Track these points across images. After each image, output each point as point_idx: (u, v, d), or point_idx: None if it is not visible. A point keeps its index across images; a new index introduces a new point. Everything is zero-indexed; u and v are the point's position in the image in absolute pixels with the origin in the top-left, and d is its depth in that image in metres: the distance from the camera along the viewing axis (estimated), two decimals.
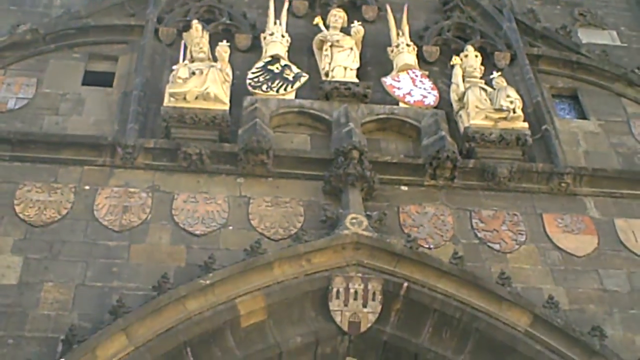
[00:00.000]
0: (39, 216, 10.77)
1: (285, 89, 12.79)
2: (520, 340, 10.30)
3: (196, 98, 11.92)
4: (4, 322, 9.68)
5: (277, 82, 12.83)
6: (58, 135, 11.70)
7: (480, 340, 10.39)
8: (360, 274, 10.56)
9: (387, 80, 13.36)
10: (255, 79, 12.83)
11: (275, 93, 12.69)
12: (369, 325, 10.38)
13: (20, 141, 11.44)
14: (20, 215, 10.76)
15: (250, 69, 13.01)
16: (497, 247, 11.31)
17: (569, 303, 10.80)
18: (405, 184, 11.84)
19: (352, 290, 10.43)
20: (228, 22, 14.11)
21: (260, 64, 13.09)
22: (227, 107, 12.05)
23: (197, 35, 12.85)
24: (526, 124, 12.57)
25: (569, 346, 10.23)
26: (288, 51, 13.44)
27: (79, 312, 9.87)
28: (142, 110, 12.17)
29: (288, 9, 14.20)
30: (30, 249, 10.45)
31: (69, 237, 10.63)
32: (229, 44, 12.92)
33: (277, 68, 13.04)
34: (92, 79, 12.84)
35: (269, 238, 10.87)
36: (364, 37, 13.77)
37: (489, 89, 12.94)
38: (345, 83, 12.82)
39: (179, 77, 12.14)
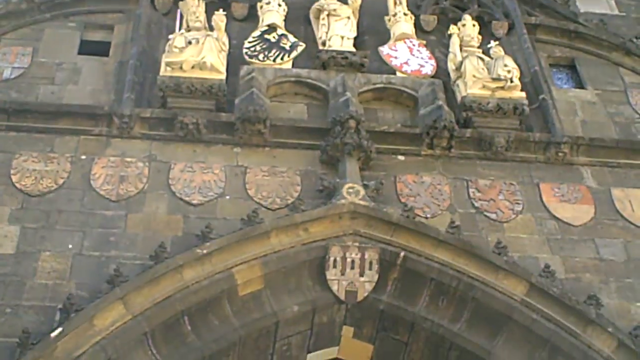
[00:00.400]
0: (35, 186, 10.77)
1: (282, 59, 12.75)
2: (516, 309, 10.33)
3: (192, 67, 11.87)
4: (2, 291, 9.71)
5: (273, 51, 12.79)
6: (54, 105, 11.68)
7: (477, 309, 10.44)
8: (357, 243, 10.59)
9: (384, 50, 13.29)
10: (252, 48, 12.78)
11: (272, 62, 12.65)
12: (366, 294, 10.42)
13: (16, 111, 11.43)
14: (17, 184, 10.76)
15: (246, 38, 12.96)
16: (493, 216, 11.32)
17: (565, 272, 10.83)
18: (402, 154, 11.84)
19: (349, 260, 10.46)
20: None
21: (256, 33, 13.03)
22: (223, 77, 12.01)
23: (193, 4, 12.78)
24: (523, 94, 12.55)
25: (565, 315, 10.27)
26: (285, 20, 13.38)
27: (77, 281, 9.89)
28: (139, 79, 12.14)
29: None
30: (27, 218, 10.47)
31: (65, 207, 10.64)
32: (225, 13, 12.83)
33: (274, 37, 12.99)
34: (88, 48, 12.79)
35: (265, 207, 10.88)
36: (361, 6, 13.64)
37: (487, 59, 12.90)
38: (342, 52, 12.78)
39: (175, 47, 12.10)
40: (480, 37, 13.40)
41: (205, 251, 10.10)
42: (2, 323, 9.42)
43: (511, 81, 12.48)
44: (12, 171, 10.88)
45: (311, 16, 13.77)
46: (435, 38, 13.83)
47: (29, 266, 10.01)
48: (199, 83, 11.79)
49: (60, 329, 9.24)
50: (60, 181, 10.87)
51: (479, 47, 13.20)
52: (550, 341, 10.17)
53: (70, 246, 10.22)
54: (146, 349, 9.59)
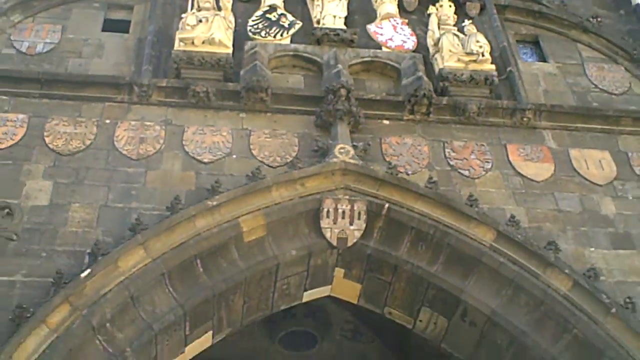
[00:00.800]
0: (66, 146, 10.75)
1: (281, 35, 12.66)
2: (485, 254, 10.40)
3: (203, 43, 11.82)
4: (37, 237, 9.73)
5: (274, 28, 12.71)
6: (81, 76, 11.63)
7: (451, 253, 10.49)
8: (347, 196, 10.61)
9: (371, 27, 13.22)
10: (255, 26, 12.69)
11: (272, 38, 12.56)
12: (355, 240, 10.46)
13: (48, 81, 11.37)
14: (50, 145, 10.73)
15: (250, 17, 12.84)
16: (466, 173, 11.33)
17: (528, 222, 10.87)
18: (386, 119, 11.81)
19: (340, 210, 10.49)
20: None
21: (259, 12, 12.91)
22: (230, 51, 11.95)
23: None
24: (493, 66, 12.54)
25: (528, 258, 10.34)
26: (284, 1, 13.25)
27: (103, 229, 9.92)
28: (155, 53, 12.07)
29: None
30: (59, 174, 10.45)
31: (92, 165, 10.63)
32: None
33: (274, 16, 12.89)
34: (111, 26, 12.67)
35: (267, 165, 10.87)
36: None
37: (461, 35, 12.83)
38: (334, 30, 12.68)
39: (188, 24, 12.05)
40: (455, 16, 13.31)
41: (214, 203, 10.13)
42: (39, 265, 9.46)
43: (482, 55, 12.48)
44: (45, 134, 10.84)
45: None
46: (416, 17, 13.71)
47: (61, 216, 10.02)
48: (208, 56, 11.73)
49: (88, 271, 9.28)
50: (88, 142, 10.85)
51: (454, 26, 13.12)
52: (514, 281, 10.23)
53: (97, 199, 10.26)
54: (164, 287, 9.64)
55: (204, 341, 10.36)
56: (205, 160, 10.86)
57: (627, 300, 10.06)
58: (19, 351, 8.56)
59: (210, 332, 10.33)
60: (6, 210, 9.89)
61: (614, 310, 9.91)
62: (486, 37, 12.94)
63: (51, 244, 9.70)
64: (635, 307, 10.02)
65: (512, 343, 10.17)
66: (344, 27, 12.90)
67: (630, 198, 11.46)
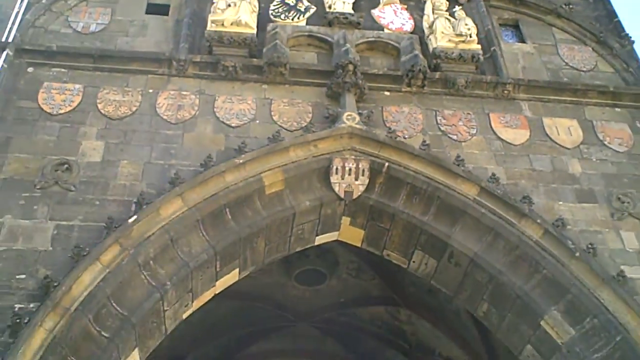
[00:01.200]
0: (115, 112, 10.78)
1: (298, 18, 12.57)
2: (469, 206, 10.42)
3: (231, 24, 11.78)
4: (92, 188, 9.82)
5: (292, 12, 12.62)
6: (128, 52, 11.60)
7: (441, 205, 10.51)
8: (353, 156, 10.63)
9: (375, 12, 13.10)
10: (276, 10, 12.60)
11: (290, 21, 12.47)
12: (359, 193, 10.50)
13: (100, 56, 11.37)
14: (102, 111, 10.77)
15: (272, 2, 12.74)
16: (454, 137, 11.30)
17: (506, 179, 10.86)
18: (387, 90, 11.74)
19: (347, 168, 10.51)
20: None
21: None
22: (254, 31, 11.88)
23: None
24: (479, 46, 12.41)
25: (506, 210, 10.36)
26: None
27: (147, 182, 9.98)
28: (191, 33, 12.00)
29: None
30: (109, 136, 10.50)
31: (137, 128, 10.66)
32: None
33: (292, 2, 12.80)
34: (153, 10, 12.56)
35: (286, 129, 10.86)
36: None
37: (452, 19, 12.67)
38: (343, 14, 12.58)
39: (218, 8, 11.99)
40: (447, 3, 13.10)
41: (241, 161, 10.17)
42: (93, 212, 9.55)
43: (470, 37, 12.38)
44: (98, 101, 10.86)
45: None
46: (413, 3, 13.48)
47: (111, 171, 10.08)
48: (236, 36, 11.69)
49: (135, 217, 9.38)
50: (134, 108, 10.86)
51: (446, 11, 12.93)
52: (494, 229, 10.26)
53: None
54: (198, 231, 9.72)
55: (232, 277, 10.46)
56: (233, 125, 10.86)
57: (589, 246, 10.10)
58: (77, 284, 8.69)
59: (237, 270, 10.43)
60: (65, 166, 9.98)
61: (578, 254, 9.95)
62: (473, 21, 12.79)
63: (103, 194, 9.79)
64: (596, 252, 10.06)
65: (490, 280, 10.22)
66: (352, 12, 12.77)
67: (594, 160, 11.42)
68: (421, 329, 15.28)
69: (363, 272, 14.73)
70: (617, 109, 12.25)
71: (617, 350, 9.29)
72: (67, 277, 8.67)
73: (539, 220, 10.23)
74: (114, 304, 8.82)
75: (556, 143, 11.55)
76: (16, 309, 8.41)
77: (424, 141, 10.96)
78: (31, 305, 8.48)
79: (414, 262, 10.96)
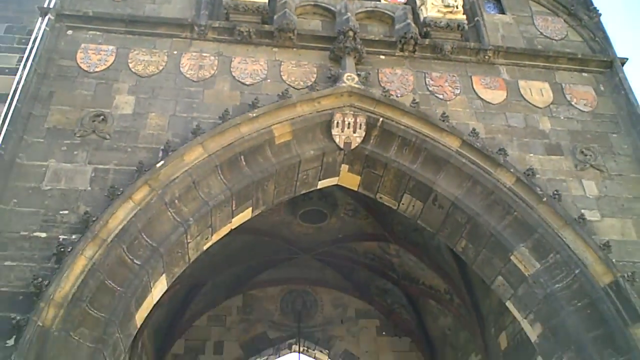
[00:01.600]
0: (144, 70, 10.60)
1: None
2: (452, 156, 10.34)
3: None
4: (125, 137, 9.74)
5: None
6: (155, 18, 11.35)
7: (427, 155, 10.43)
8: (352, 112, 10.48)
9: None
10: None
11: None
12: (357, 144, 10.42)
13: (131, 21, 11.14)
14: (132, 69, 10.59)
15: None
16: (441, 96, 11.14)
17: (485, 133, 10.75)
18: (383, 54, 11.52)
19: (346, 122, 10.40)
20: None
21: None
22: (266, 0, 11.63)
23: None
24: (464, 16, 12.14)
25: (484, 160, 10.29)
26: None
27: (172, 132, 9.89)
28: (210, 1, 11.75)
29: None
30: (139, 91, 10.35)
31: (164, 85, 10.50)
32: None
33: None
34: None
35: (293, 87, 10.71)
36: None
37: None
38: None
39: None
40: None
41: (254, 115, 10.05)
42: (126, 157, 9.50)
43: (457, 8, 12.08)
44: (129, 61, 10.69)
45: None
46: None
47: (141, 122, 9.98)
48: (250, 4, 11.42)
49: (162, 162, 9.33)
50: (160, 68, 10.68)
51: None
52: (473, 177, 10.21)
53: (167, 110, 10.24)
54: (217, 175, 9.67)
55: (246, 215, 10.47)
56: (247, 83, 10.71)
57: (555, 192, 10.08)
58: (113, 219, 8.71)
59: (250, 209, 10.42)
60: (101, 117, 9.89)
61: (545, 199, 9.93)
62: None
63: (134, 142, 9.71)
64: (561, 198, 10.04)
65: (468, 221, 10.23)
66: None
67: (562, 118, 11.30)
68: (407, 261, 15.40)
69: (358, 212, 14.78)
70: (583, 74, 12.05)
71: (575, 281, 9.36)
72: (104, 213, 8.69)
73: (512, 170, 10.18)
74: (144, 236, 8.86)
75: (529, 103, 11.40)
76: (61, 240, 8.49)
77: (414, 100, 10.83)
78: (73, 237, 8.54)
79: (402, 204, 10.95)
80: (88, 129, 9.74)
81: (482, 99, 11.28)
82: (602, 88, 11.89)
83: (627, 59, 12.25)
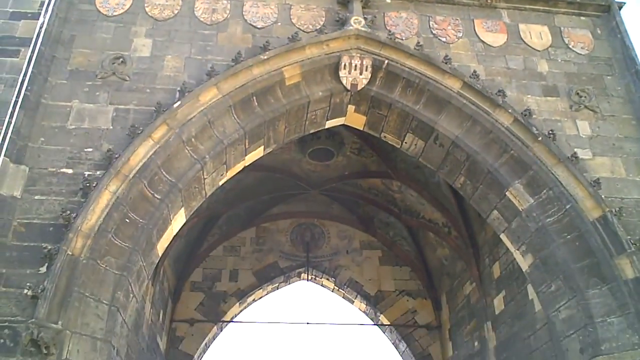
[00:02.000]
0: (160, 14, 10.43)
1: None
2: (454, 97, 10.22)
3: None
4: (143, 79, 9.68)
5: None
6: None
7: (430, 96, 10.31)
8: (359, 54, 10.31)
9: None
10: None
11: None
12: (363, 86, 10.29)
13: None
14: (149, 13, 10.42)
15: None
16: (444, 39, 10.93)
17: (485, 75, 10.59)
18: None
19: (353, 64, 10.25)
20: None
21: None
22: None
23: None
24: None
25: (483, 101, 10.17)
26: None
27: (188, 74, 9.82)
28: None
29: None
30: (156, 34, 10.22)
31: (179, 28, 10.35)
32: None
33: None
34: None
35: (303, 31, 10.52)
36: None
37: None
38: None
39: None
40: None
41: (265, 57, 9.92)
42: (145, 98, 9.48)
43: None
44: (145, 5, 10.50)
45: None
46: None
47: (159, 64, 9.90)
48: None
49: (179, 102, 9.31)
50: (176, 12, 10.50)
51: None
52: (473, 117, 10.12)
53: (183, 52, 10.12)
54: (231, 115, 9.64)
55: (258, 153, 10.48)
56: (259, 26, 10.54)
57: (550, 132, 10.01)
58: (134, 156, 8.77)
59: (262, 147, 10.43)
60: (120, 59, 9.80)
61: (540, 138, 9.87)
62: None
63: (153, 83, 9.66)
64: (555, 137, 9.97)
65: (467, 158, 10.21)
66: None
67: (559, 60, 11.09)
68: (409, 197, 15.48)
69: (364, 150, 14.75)
70: (582, 18, 11.75)
71: (566, 215, 9.42)
72: (125, 151, 8.74)
73: (510, 110, 10.08)
74: (163, 172, 8.93)
75: (529, 46, 11.18)
76: (86, 175, 8.58)
77: (418, 42, 10.63)
78: (97, 173, 8.62)
79: (405, 142, 10.91)
80: (108, 71, 9.67)
81: (483, 41, 11.06)
82: (599, 32, 11.62)
83: (624, 3, 11.93)
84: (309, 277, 17.29)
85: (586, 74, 11.01)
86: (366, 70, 10.26)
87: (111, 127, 9.11)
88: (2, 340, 7.35)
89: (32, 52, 9.43)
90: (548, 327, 9.94)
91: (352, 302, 17.55)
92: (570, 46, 11.32)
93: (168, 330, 15.25)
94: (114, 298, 8.05)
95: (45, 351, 7.26)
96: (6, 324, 7.45)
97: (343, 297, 17.61)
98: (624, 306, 8.65)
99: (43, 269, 7.82)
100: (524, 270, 10.12)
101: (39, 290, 7.55)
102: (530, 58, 11.03)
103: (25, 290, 7.61)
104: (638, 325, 8.49)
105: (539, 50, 11.15)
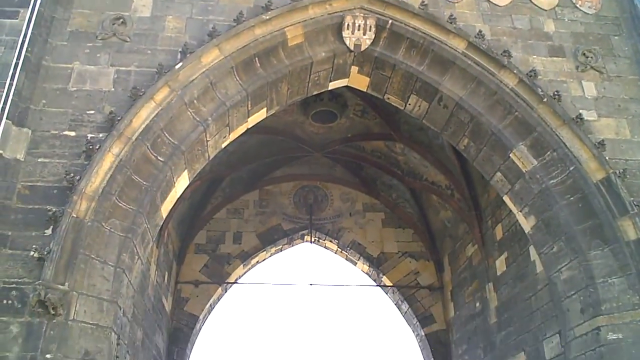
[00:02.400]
0: None
1: None
2: (458, 58, 10.08)
3: None
4: (144, 40, 9.55)
5: None
6: None
7: (434, 57, 10.18)
8: (362, 14, 10.14)
9: None
10: None
11: None
12: (366, 46, 10.15)
13: None
14: None
15: None
16: None
17: (491, 35, 10.44)
18: None
19: (357, 24, 10.09)
20: None
21: None
22: None
23: None
24: None
25: (488, 62, 10.03)
26: None
27: (189, 34, 9.69)
28: None
29: None
30: None
31: None
32: None
33: None
34: None
35: None
36: None
37: None
38: None
39: None
40: None
41: (268, 17, 9.76)
42: (146, 59, 9.38)
43: None
44: None
45: None
46: None
47: (159, 25, 9.77)
48: None
49: (180, 64, 9.19)
50: None
51: None
52: (477, 78, 10.00)
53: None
54: (233, 76, 9.54)
55: (261, 115, 10.42)
56: None
57: (555, 93, 9.89)
58: (136, 118, 8.71)
59: (265, 109, 10.36)
60: (121, 20, 9.66)
61: (545, 99, 9.77)
62: None
63: (154, 44, 9.54)
64: (561, 98, 9.87)
65: (471, 120, 10.15)
66: None
67: (566, 20, 10.92)
68: (412, 159, 15.46)
69: (367, 112, 14.67)
70: None
71: (570, 177, 9.41)
72: (127, 113, 8.67)
73: (515, 71, 9.95)
74: (166, 135, 8.89)
75: (535, 5, 10.97)
76: (89, 138, 8.55)
77: (423, 1, 10.39)
78: (100, 135, 8.59)
79: (409, 104, 10.82)
80: (109, 32, 9.55)
81: (489, 1, 10.86)
82: None
83: None
84: (312, 239, 17.41)
85: (593, 34, 10.84)
86: (370, 30, 10.11)
87: (113, 89, 9.04)
88: (10, 302, 7.46)
89: (32, 12, 9.29)
90: (549, 287, 10.03)
91: (355, 264, 17.70)
92: (578, 5, 11.12)
93: (173, 291, 15.44)
94: (119, 260, 8.12)
95: (52, 312, 7.37)
96: (14, 285, 7.54)
97: (346, 259, 17.76)
98: (625, 267, 8.72)
99: (48, 232, 7.87)
100: (526, 231, 10.16)
101: (45, 253, 7.61)
102: (536, 17, 10.85)
103: (32, 252, 7.68)
104: (639, 286, 8.57)
105: (545, 10, 10.96)
